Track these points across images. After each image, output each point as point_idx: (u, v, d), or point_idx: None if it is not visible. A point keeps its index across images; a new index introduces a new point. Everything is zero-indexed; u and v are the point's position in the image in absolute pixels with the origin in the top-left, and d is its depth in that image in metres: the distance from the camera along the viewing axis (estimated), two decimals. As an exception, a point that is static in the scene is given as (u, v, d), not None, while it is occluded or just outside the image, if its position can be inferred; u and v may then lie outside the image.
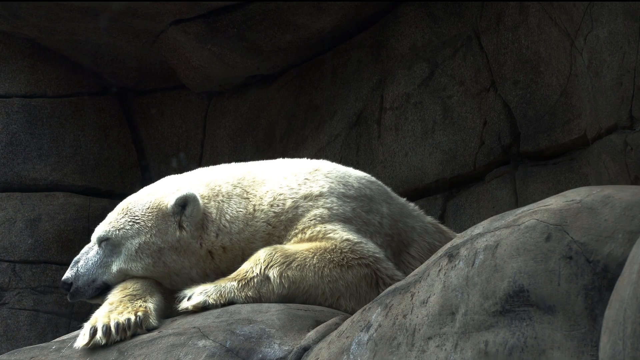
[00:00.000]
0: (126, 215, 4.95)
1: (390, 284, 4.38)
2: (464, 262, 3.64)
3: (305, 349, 4.18)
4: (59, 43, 9.24)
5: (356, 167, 5.44)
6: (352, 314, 4.27)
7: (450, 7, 8.00)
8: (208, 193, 4.95)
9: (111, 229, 4.94)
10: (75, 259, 5.00)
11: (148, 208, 4.93)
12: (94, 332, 4.51)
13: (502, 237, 3.59)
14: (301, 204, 4.90)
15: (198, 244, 4.87)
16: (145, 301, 4.69)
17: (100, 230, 4.99)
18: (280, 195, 4.93)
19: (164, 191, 4.99)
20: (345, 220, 4.87)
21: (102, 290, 4.92)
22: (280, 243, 4.86)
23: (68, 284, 4.94)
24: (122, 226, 4.92)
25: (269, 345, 4.22)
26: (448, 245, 3.88)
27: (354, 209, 4.95)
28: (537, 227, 3.53)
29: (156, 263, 4.88)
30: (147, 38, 8.99)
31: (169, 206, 4.89)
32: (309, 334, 4.26)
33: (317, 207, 4.88)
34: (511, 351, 3.42)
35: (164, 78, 9.58)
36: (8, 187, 9.17)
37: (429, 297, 3.71)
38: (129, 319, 4.52)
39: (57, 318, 8.98)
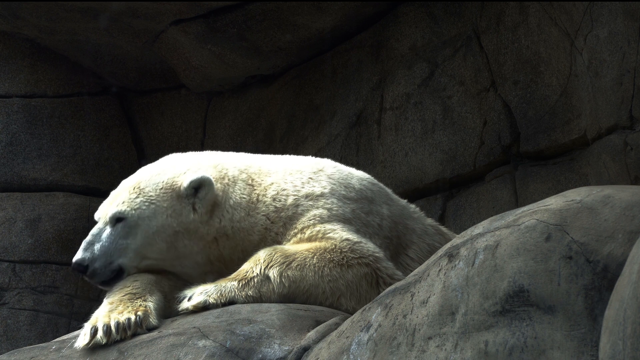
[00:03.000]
0: (140, 195, 4.86)
1: (391, 283, 4.39)
2: (464, 262, 3.65)
3: (305, 349, 4.18)
4: (59, 43, 9.24)
5: (356, 167, 5.44)
6: (352, 314, 4.27)
7: (450, 7, 8.00)
8: (216, 175, 4.94)
9: (127, 209, 4.84)
10: (88, 240, 4.85)
11: (162, 188, 4.88)
12: (94, 332, 4.51)
13: (502, 237, 3.60)
14: (302, 203, 4.90)
15: (205, 228, 4.86)
16: (145, 300, 4.68)
17: (114, 209, 4.86)
18: (283, 190, 4.93)
19: (175, 171, 4.94)
20: (344, 220, 4.88)
21: (116, 274, 4.84)
22: (278, 240, 4.86)
23: (84, 266, 4.81)
24: (137, 206, 4.84)
25: (269, 345, 4.22)
26: (448, 245, 3.88)
27: (354, 211, 4.95)
28: (537, 227, 3.53)
29: (169, 248, 4.85)
30: (147, 38, 8.99)
31: (182, 187, 4.86)
32: (309, 334, 4.26)
33: (317, 207, 4.88)
34: (511, 351, 3.42)
35: (164, 78, 9.58)
36: (8, 187, 9.16)
37: (429, 297, 3.71)
38: (129, 319, 4.52)
39: (57, 318, 8.98)
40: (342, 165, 5.27)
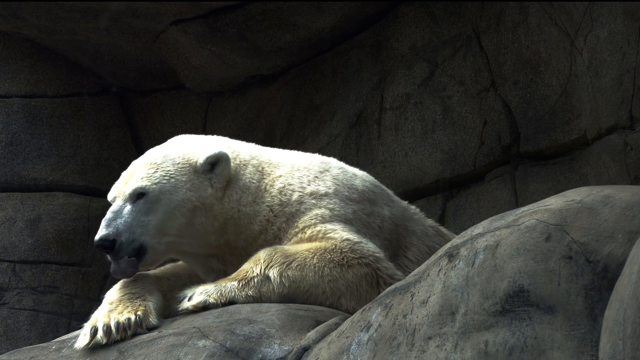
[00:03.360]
0: (159, 170, 4.84)
1: (391, 283, 4.39)
2: (464, 262, 3.65)
3: (305, 349, 4.18)
4: (59, 43, 9.24)
5: (356, 167, 5.46)
6: (352, 314, 4.27)
7: (450, 7, 7.99)
8: (229, 154, 4.96)
9: (148, 184, 4.80)
10: (108, 217, 4.76)
11: (179, 163, 4.87)
12: (94, 332, 4.51)
13: (502, 237, 3.60)
14: (306, 200, 4.92)
15: (219, 207, 4.87)
16: (144, 300, 4.68)
17: (134, 185, 4.81)
18: (290, 185, 4.96)
19: (189, 148, 4.95)
20: (345, 221, 4.90)
21: (137, 253, 4.76)
22: (279, 236, 4.88)
23: (109, 241, 4.69)
24: (158, 180, 4.81)
25: (269, 345, 4.22)
26: (448, 245, 3.89)
27: (355, 212, 4.97)
28: (537, 227, 3.53)
29: (187, 224, 4.83)
30: (147, 38, 8.99)
31: (199, 163, 4.86)
32: (309, 334, 4.26)
33: (320, 207, 4.90)
34: (511, 351, 3.42)
35: (164, 78, 9.58)
36: (8, 187, 9.16)
37: (429, 297, 3.71)
38: (129, 319, 4.52)
39: (57, 318, 8.98)
40: (347, 165, 5.30)
